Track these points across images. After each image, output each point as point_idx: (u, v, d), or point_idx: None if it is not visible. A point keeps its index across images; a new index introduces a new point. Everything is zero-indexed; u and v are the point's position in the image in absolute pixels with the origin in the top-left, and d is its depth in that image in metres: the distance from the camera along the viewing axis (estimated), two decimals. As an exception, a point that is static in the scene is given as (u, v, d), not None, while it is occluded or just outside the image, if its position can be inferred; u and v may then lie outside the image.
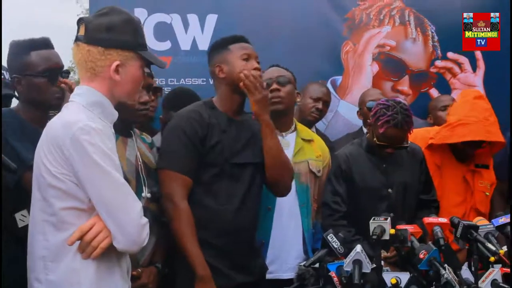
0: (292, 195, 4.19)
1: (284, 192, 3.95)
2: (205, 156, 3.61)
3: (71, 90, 3.30)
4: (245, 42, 3.79)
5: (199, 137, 3.59)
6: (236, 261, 3.65)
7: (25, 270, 2.80)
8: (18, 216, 3.21)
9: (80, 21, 2.81)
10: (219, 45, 3.81)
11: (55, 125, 2.69)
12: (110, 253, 2.70)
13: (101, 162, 2.60)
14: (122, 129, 3.42)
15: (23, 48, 3.47)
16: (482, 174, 4.70)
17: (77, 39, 2.80)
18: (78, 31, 2.81)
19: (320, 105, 5.04)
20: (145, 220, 2.70)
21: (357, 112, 5.56)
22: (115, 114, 2.84)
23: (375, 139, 4.14)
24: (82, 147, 2.58)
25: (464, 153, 4.61)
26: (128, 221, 2.63)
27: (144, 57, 2.85)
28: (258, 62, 3.74)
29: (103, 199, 2.62)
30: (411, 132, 4.18)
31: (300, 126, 4.50)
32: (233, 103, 3.75)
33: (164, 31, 5.82)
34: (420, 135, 4.71)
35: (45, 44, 3.53)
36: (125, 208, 2.65)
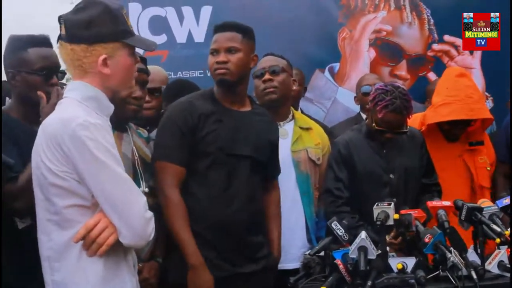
0: (293, 185, 4.18)
1: None
2: (198, 146, 3.59)
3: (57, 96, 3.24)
4: (221, 32, 3.73)
5: (189, 127, 3.58)
6: (228, 253, 3.61)
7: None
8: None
9: (60, 19, 2.76)
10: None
11: (52, 122, 2.64)
12: (116, 249, 2.66)
13: (103, 157, 2.56)
14: (118, 124, 3.40)
15: (21, 43, 3.40)
16: (480, 150, 4.67)
17: (59, 38, 2.75)
18: (60, 30, 2.75)
19: None
20: (150, 214, 2.66)
21: (354, 97, 5.54)
22: (111, 107, 2.80)
23: (374, 124, 4.11)
24: (82, 143, 2.54)
25: (452, 133, 4.58)
26: (133, 215, 2.59)
27: (129, 43, 2.77)
28: (232, 51, 3.66)
29: (106, 195, 2.58)
30: (410, 117, 4.16)
31: (298, 115, 4.47)
32: (224, 94, 3.73)
33: (159, 25, 5.79)
34: (419, 120, 4.69)
35: (44, 42, 3.45)
36: (129, 203, 2.60)
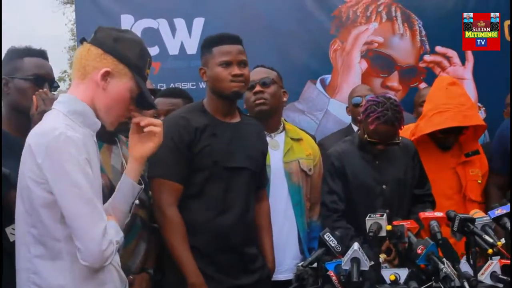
0: (285, 196, 4.18)
1: None
2: (194, 161, 3.59)
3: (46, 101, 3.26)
4: (231, 44, 3.72)
5: (186, 143, 3.57)
6: (225, 265, 3.62)
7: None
8: (8, 230, 3.17)
9: (97, 28, 2.87)
10: (205, 46, 3.78)
11: (33, 134, 2.68)
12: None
13: (72, 173, 2.56)
14: (107, 137, 3.41)
15: (18, 53, 3.48)
16: (473, 162, 4.67)
17: (84, 40, 2.84)
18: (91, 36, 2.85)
19: None
20: (107, 240, 2.62)
21: (346, 108, 5.55)
22: (98, 123, 2.81)
23: (365, 136, 4.12)
24: (55, 155, 2.56)
25: (446, 141, 4.59)
26: (90, 238, 2.58)
27: (137, 81, 2.81)
28: (244, 64, 3.70)
29: (68, 211, 2.58)
30: (402, 128, 4.16)
31: (288, 126, 4.46)
32: (219, 106, 3.73)
33: (151, 37, 5.78)
34: (410, 131, 4.69)
35: (40, 54, 3.53)
36: (88, 225, 2.59)
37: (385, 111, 3.99)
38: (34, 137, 2.65)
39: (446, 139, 4.56)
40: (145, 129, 2.91)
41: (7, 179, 3.07)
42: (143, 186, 2.98)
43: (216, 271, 3.59)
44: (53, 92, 3.47)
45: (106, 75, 2.75)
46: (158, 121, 2.96)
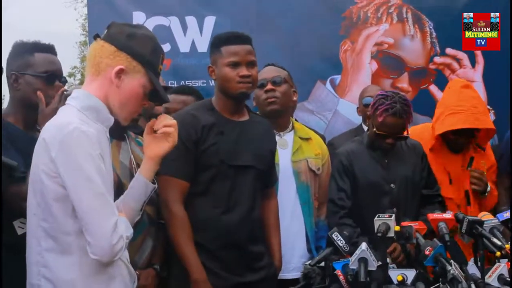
0: (293, 195, 4.18)
1: None
2: (201, 159, 3.60)
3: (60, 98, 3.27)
4: (240, 44, 3.71)
5: (193, 141, 3.58)
6: (230, 263, 3.62)
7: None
8: (16, 223, 3.19)
9: (110, 23, 2.89)
10: (214, 45, 3.78)
11: (48, 128, 2.70)
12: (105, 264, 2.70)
13: (85, 167, 2.59)
14: (116, 133, 3.41)
15: (27, 48, 3.45)
16: (482, 154, 4.69)
17: (97, 36, 2.85)
18: (104, 32, 2.87)
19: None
20: (118, 235, 2.63)
21: (357, 108, 5.56)
22: (111, 119, 2.83)
23: (374, 129, 4.14)
24: (69, 149, 2.58)
25: (457, 143, 4.60)
26: (100, 232, 2.60)
27: (150, 77, 2.83)
28: (252, 64, 3.70)
29: (80, 204, 2.60)
30: (410, 121, 4.21)
31: (297, 125, 4.46)
32: (227, 105, 3.73)
33: (163, 34, 5.78)
34: (427, 132, 4.69)
35: (50, 49, 3.51)
36: (99, 219, 2.61)
37: (393, 104, 4.06)
38: (49, 131, 2.66)
39: (457, 141, 4.56)
40: (159, 131, 2.93)
41: (14, 171, 3.09)
42: (156, 185, 3.00)
43: (221, 268, 3.60)
44: (65, 88, 3.48)
45: (120, 73, 2.76)
46: (173, 122, 2.96)
